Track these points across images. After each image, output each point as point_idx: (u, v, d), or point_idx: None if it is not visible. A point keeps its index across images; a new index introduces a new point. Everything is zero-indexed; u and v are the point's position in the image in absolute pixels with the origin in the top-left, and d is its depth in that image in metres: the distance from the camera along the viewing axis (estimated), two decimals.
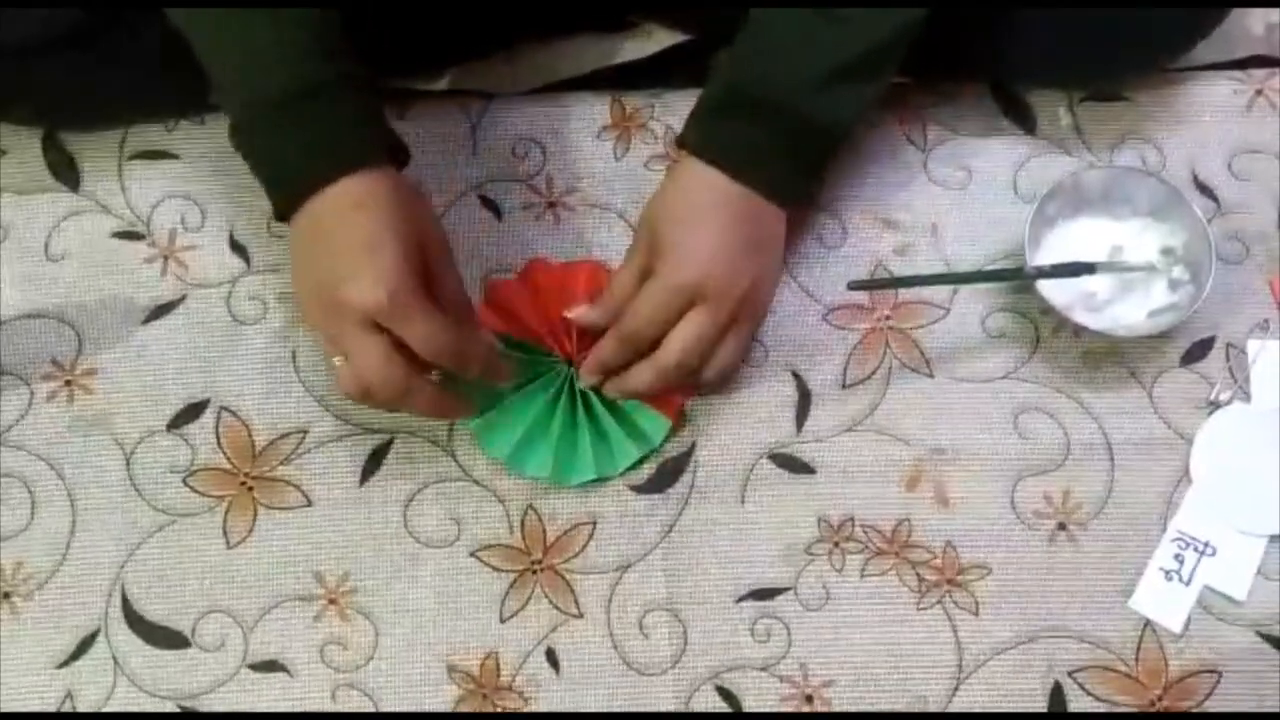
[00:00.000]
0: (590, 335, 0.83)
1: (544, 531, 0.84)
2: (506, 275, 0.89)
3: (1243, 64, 0.95)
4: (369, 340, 0.73)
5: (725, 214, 0.80)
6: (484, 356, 0.79)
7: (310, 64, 0.75)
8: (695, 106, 0.83)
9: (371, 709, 0.81)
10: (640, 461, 0.85)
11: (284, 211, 0.77)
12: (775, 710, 0.81)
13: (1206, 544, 0.83)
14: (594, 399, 0.84)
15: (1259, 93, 0.94)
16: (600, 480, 0.84)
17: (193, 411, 0.86)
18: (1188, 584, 0.82)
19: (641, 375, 0.81)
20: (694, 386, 0.84)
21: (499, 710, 0.81)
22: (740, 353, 0.83)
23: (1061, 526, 0.84)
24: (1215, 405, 0.86)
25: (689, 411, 0.86)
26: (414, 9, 0.88)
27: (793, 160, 0.81)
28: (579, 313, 0.83)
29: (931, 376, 0.87)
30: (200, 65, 0.79)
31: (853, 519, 0.84)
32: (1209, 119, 0.93)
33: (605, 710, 0.81)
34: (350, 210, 0.74)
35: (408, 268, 0.73)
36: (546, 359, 0.85)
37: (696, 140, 0.81)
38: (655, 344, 0.80)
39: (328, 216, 0.74)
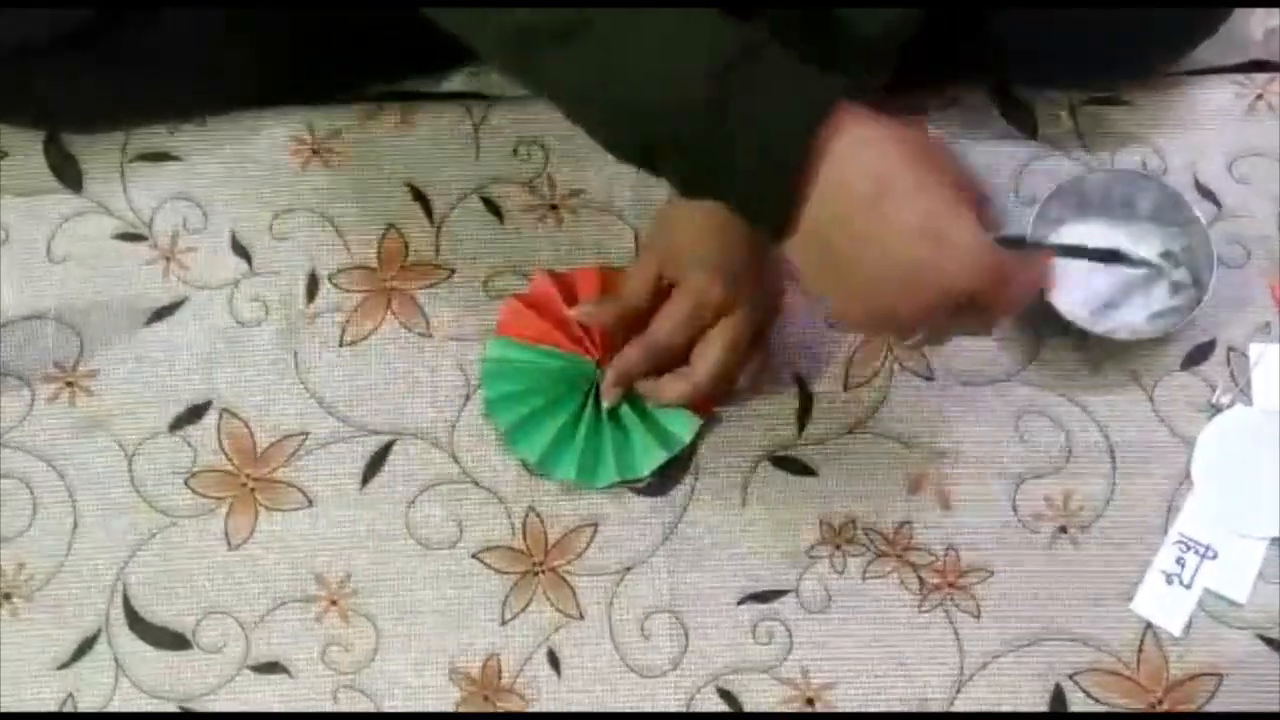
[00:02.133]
0: (615, 339, 0.83)
1: (545, 533, 0.84)
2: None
3: (1243, 68, 0.95)
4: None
5: (740, 223, 0.80)
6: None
7: (737, 29, 0.63)
8: None
9: (372, 710, 0.81)
10: (671, 462, 0.84)
11: (792, 194, 0.62)
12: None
13: (1207, 547, 0.83)
14: (620, 403, 0.84)
15: (1259, 96, 0.94)
16: (624, 482, 0.84)
17: (194, 413, 0.86)
18: (1189, 587, 0.83)
19: (679, 389, 0.82)
20: (726, 393, 0.85)
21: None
22: (768, 355, 0.84)
23: (1063, 529, 0.84)
24: (1216, 408, 0.86)
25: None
26: (417, 11, 0.88)
27: None
28: (583, 311, 0.83)
29: (933, 379, 0.87)
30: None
31: (854, 521, 0.84)
32: (1210, 123, 0.93)
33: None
34: (900, 145, 0.62)
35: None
36: (576, 364, 0.85)
37: None
38: (678, 353, 0.81)
39: (878, 159, 0.61)
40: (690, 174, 0.65)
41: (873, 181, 0.61)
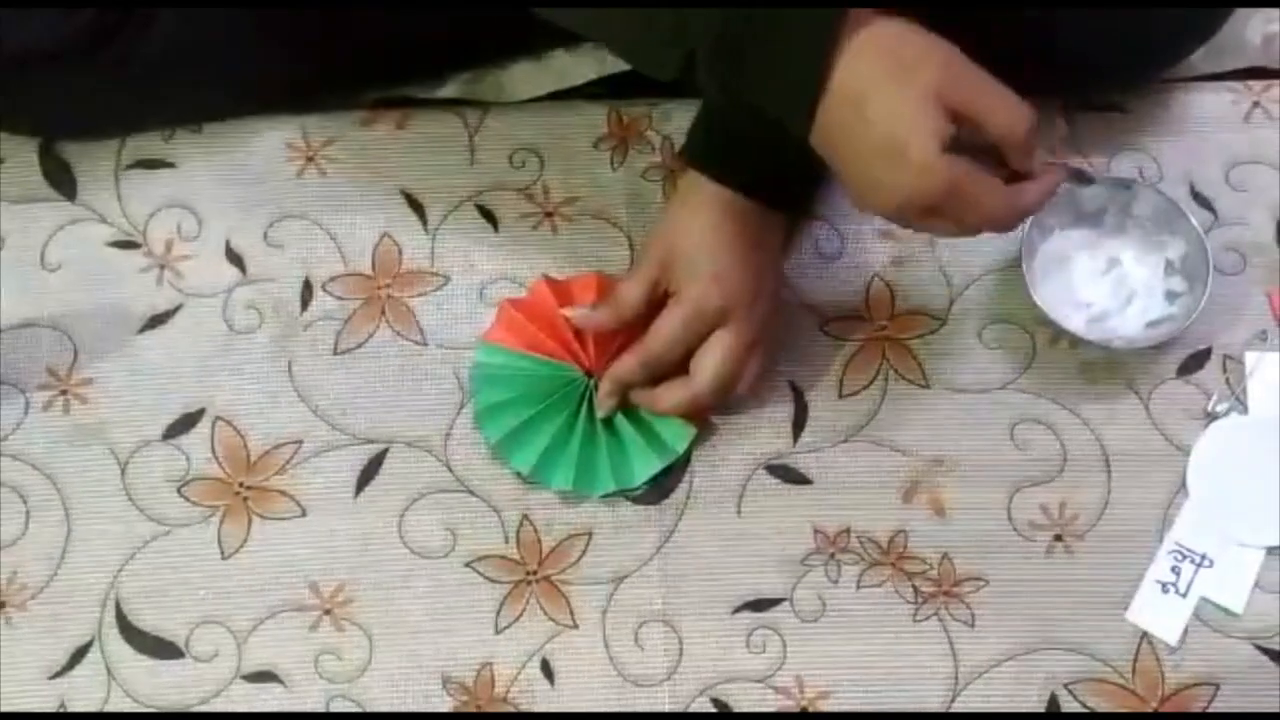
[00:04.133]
0: (608, 347, 0.83)
1: (539, 542, 0.84)
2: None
3: (1240, 75, 0.95)
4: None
5: (739, 232, 0.80)
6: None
7: None
8: (694, 120, 0.83)
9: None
10: (666, 471, 0.84)
11: (815, 88, 0.66)
12: None
13: (1203, 556, 0.83)
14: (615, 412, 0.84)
15: (1256, 104, 0.94)
16: (621, 491, 0.84)
17: (188, 421, 0.86)
18: (1184, 596, 0.82)
19: (676, 397, 0.82)
20: (722, 401, 0.84)
21: None
22: (764, 365, 0.83)
23: (1058, 538, 0.84)
24: (1212, 417, 0.86)
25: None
26: (415, 16, 0.88)
27: (789, 167, 0.81)
28: (578, 314, 0.83)
29: (928, 387, 0.87)
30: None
31: (849, 530, 0.84)
32: (1206, 130, 0.93)
33: None
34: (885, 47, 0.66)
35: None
36: (567, 372, 0.84)
37: (697, 153, 0.81)
38: (675, 362, 0.81)
39: (865, 69, 0.65)
40: (729, 77, 0.68)
41: (851, 96, 0.65)
